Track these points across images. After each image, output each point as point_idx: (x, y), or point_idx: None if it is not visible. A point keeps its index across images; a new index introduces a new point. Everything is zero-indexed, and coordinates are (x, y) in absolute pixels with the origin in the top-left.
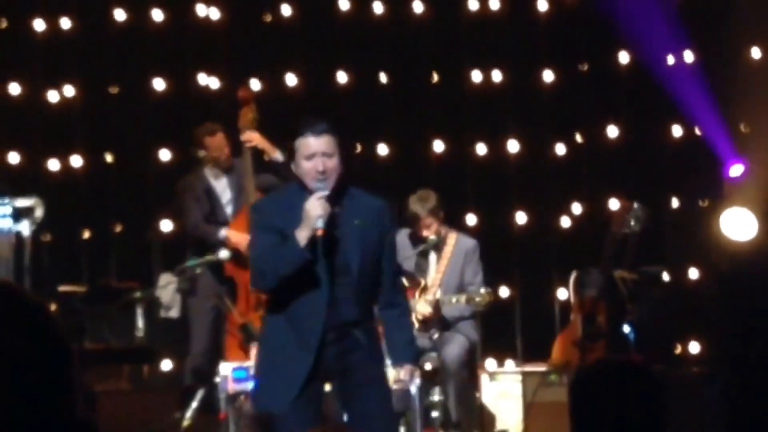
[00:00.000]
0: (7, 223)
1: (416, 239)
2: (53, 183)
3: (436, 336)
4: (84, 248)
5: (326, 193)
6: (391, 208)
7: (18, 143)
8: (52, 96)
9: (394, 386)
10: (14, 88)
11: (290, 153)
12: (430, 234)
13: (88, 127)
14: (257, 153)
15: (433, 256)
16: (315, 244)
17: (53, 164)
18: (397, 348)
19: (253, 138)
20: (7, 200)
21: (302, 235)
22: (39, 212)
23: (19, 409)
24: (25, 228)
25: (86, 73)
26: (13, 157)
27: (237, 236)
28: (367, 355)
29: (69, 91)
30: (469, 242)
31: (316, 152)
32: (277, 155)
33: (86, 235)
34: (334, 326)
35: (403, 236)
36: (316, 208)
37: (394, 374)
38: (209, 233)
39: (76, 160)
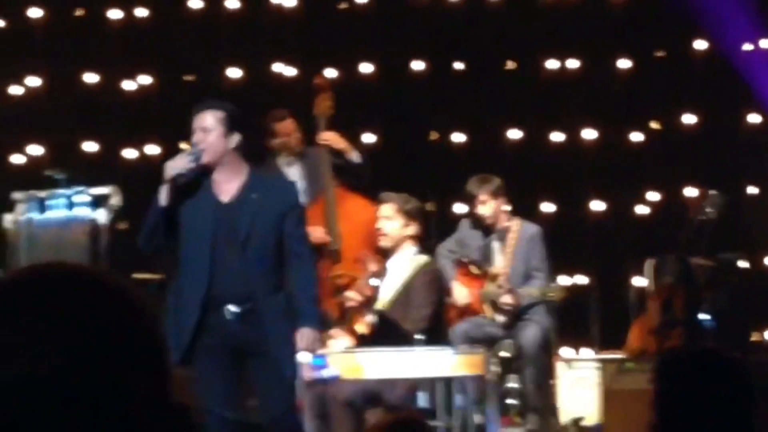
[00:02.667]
0: (84, 211)
1: (479, 228)
2: (129, 171)
3: (501, 320)
4: None
5: (193, 155)
6: (295, 187)
7: (95, 132)
8: (129, 85)
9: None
10: (91, 77)
11: None
12: (485, 214)
13: (164, 115)
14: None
15: (497, 244)
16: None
17: (129, 153)
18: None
19: (329, 138)
20: (84, 188)
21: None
22: (115, 200)
23: (111, 395)
24: (101, 216)
25: (162, 62)
26: (90, 146)
27: (310, 230)
28: (258, 327)
29: (145, 79)
30: (533, 228)
31: (195, 127)
32: (353, 155)
33: None
34: (217, 295)
35: (465, 226)
36: (173, 161)
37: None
38: None
39: (152, 149)
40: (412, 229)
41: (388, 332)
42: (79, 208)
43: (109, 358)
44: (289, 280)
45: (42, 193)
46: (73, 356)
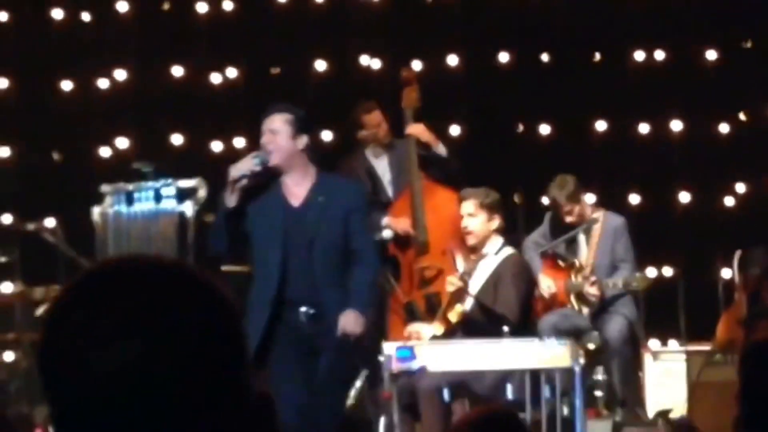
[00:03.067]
0: (171, 204)
1: (560, 225)
2: (216, 164)
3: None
4: None
5: (258, 159)
6: (361, 189)
7: (182, 125)
8: (215, 78)
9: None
10: (177, 71)
11: None
12: (573, 219)
13: (251, 108)
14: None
15: (582, 237)
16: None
17: (216, 145)
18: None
19: (416, 131)
20: (170, 181)
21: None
22: (202, 193)
23: (194, 385)
24: (188, 208)
25: (249, 55)
26: (177, 139)
27: (397, 221)
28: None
29: (232, 72)
30: (617, 219)
31: (263, 130)
32: (441, 148)
33: None
34: (288, 297)
35: (551, 218)
36: (238, 164)
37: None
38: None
39: (239, 141)
40: (496, 222)
41: (479, 321)
42: (166, 200)
43: (192, 348)
44: (350, 276)
45: (129, 186)
46: (157, 346)
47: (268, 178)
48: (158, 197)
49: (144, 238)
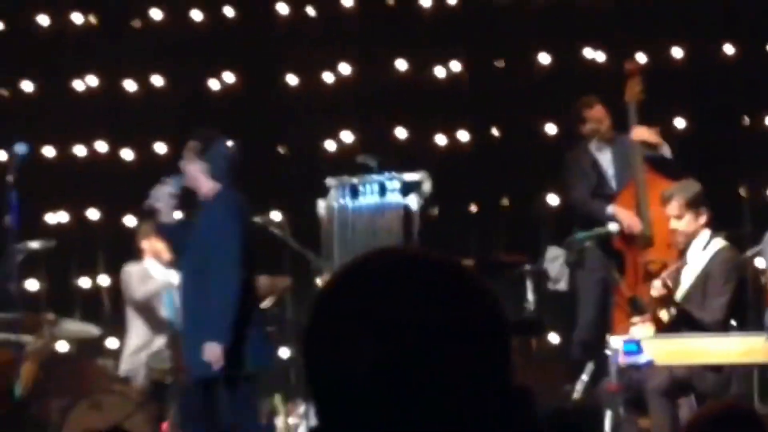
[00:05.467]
0: (396, 197)
1: None
2: (440, 157)
3: None
4: (471, 222)
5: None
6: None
7: (405, 119)
8: (439, 71)
9: None
10: (401, 64)
11: None
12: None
13: (475, 102)
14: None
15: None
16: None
17: (440, 139)
18: None
19: (642, 134)
20: (395, 175)
21: None
22: (427, 186)
23: (462, 379)
24: (413, 202)
25: (472, 48)
26: (401, 132)
27: (623, 213)
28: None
29: (455, 66)
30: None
31: None
32: (665, 150)
33: (473, 208)
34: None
35: None
36: (155, 190)
37: None
38: (597, 210)
39: (463, 135)
40: (704, 217)
41: (685, 324)
42: (391, 194)
43: (459, 342)
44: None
45: (354, 180)
46: (421, 339)
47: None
48: (383, 190)
49: (369, 231)
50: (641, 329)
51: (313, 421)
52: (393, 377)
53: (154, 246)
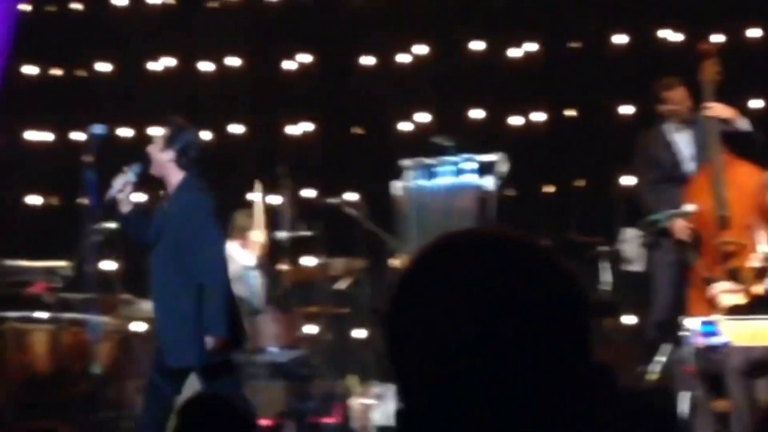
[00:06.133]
0: (472, 178)
1: None
2: (516, 138)
3: None
4: (547, 203)
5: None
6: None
7: (481, 100)
8: (514, 52)
9: None
10: (477, 45)
11: None
12: None
13: (550, 82)
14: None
15: None
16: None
17: (516, 120)
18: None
19: (715, 109)
20: (471, 156)
21: None
22: (503, 167)
23: (542, 358)
24: (489, 183)
25: (548, 30)
26: (477, 113)
27: (678, 225)
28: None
29: (531, 47)
30: None
31: None
32: (742, 123)
33: (549, 189)
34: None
35: None
36: (116, 180)
37: None
38: (650, 206)
39: (539, 116)
40: None
41: None
42: (466, 175)
43: (539, 321)
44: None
45: (430, 161)
46: (503, 318)
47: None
48: (459, 172)
49: (444, 212)
50: (734, 297)
51: (392, 403)
52: (480, 354)
53: (241, 229)
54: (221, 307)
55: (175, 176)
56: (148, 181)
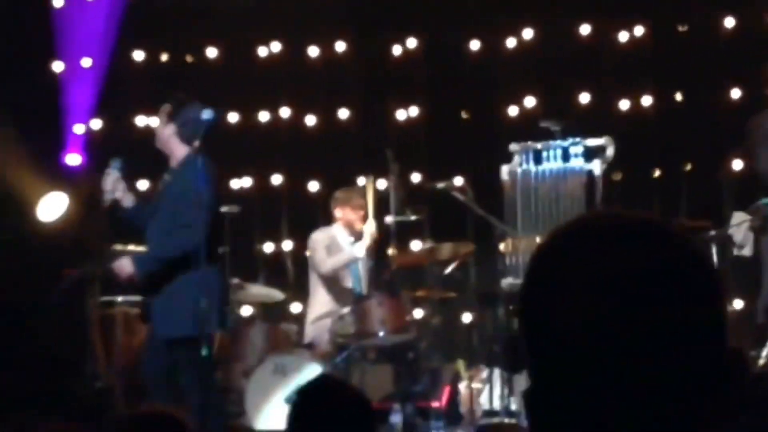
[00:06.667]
0: (579, 163)
1: None
2: (624, 122)
3: None
4: (655, 187)
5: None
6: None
7: (588, 84)
8: (622, 36)
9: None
10: (584, 29)
11: None
12: None
13: (658, 66)
14: None
15: None
16: None
17: (623, 104)
18: None
19: None
20: (578, 140)
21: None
22: (610, 151)
23: (688, 339)
24: (596, 167)
25: (656, 13)
26: (584, 98)
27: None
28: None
29: (639, 30)
30: None
31: None
32: None
33: (656, 173)
34: None
35: None
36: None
37: None
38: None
39: (646, 99)
40: None
41: None
42: (574, 159)
43: (674, 304)
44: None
45: (538, 145)
46: (638, 301)
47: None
48: (566, 156)
49: (552, 196)
50: None
51: (498, 387)
52: (620, 337)
53: (347, 215)
54: (156, 264)
55: (179, 150)
56: (135, 170)
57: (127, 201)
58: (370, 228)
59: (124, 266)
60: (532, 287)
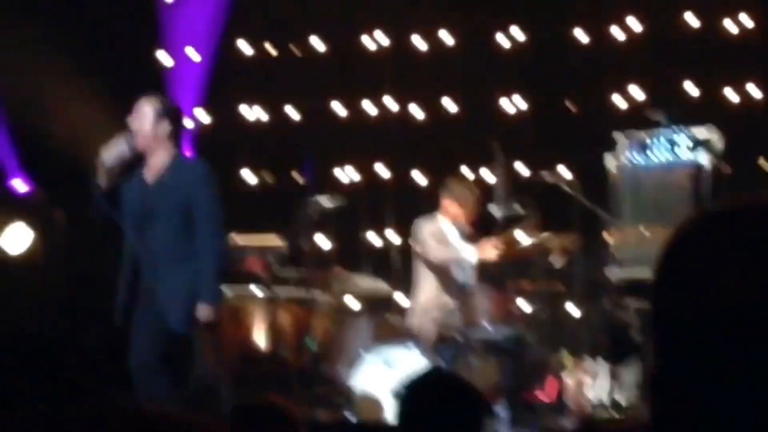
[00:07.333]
0: (687, 154)
1: None
2: (731, 113)
3: None
4: (763, 178)
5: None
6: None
7: (695, 73)
8: (730, 25)
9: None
10: (690, 18)
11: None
12: None
13: (765, 56)
14: None
15: None
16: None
17: (730, 94)
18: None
19: None
20: (685, 130)
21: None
22: (718, 142)
23: None
24: (703, 159)
25: (764, 1)
26: (691, 88)
27: None
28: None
29: (745, 19)
30: None
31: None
32: None
33: (766, 165)
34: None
35: None
36: (108, 148)
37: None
38: None
39: (754, 90)
40: None
41: None
42: (681, 150)
43: None
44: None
45: (644, 136)
46: None
47: (138, 158)
48: (673, 146)
49: (659, 187)
50: None
51: (606, 380)
52: (754, 322)
53: (452, 209)
54: (219, 277)
55: (168, 150)
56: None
57: (103, 182)
58: (492, 253)
59: (207, 315)
60: (665, 273)
